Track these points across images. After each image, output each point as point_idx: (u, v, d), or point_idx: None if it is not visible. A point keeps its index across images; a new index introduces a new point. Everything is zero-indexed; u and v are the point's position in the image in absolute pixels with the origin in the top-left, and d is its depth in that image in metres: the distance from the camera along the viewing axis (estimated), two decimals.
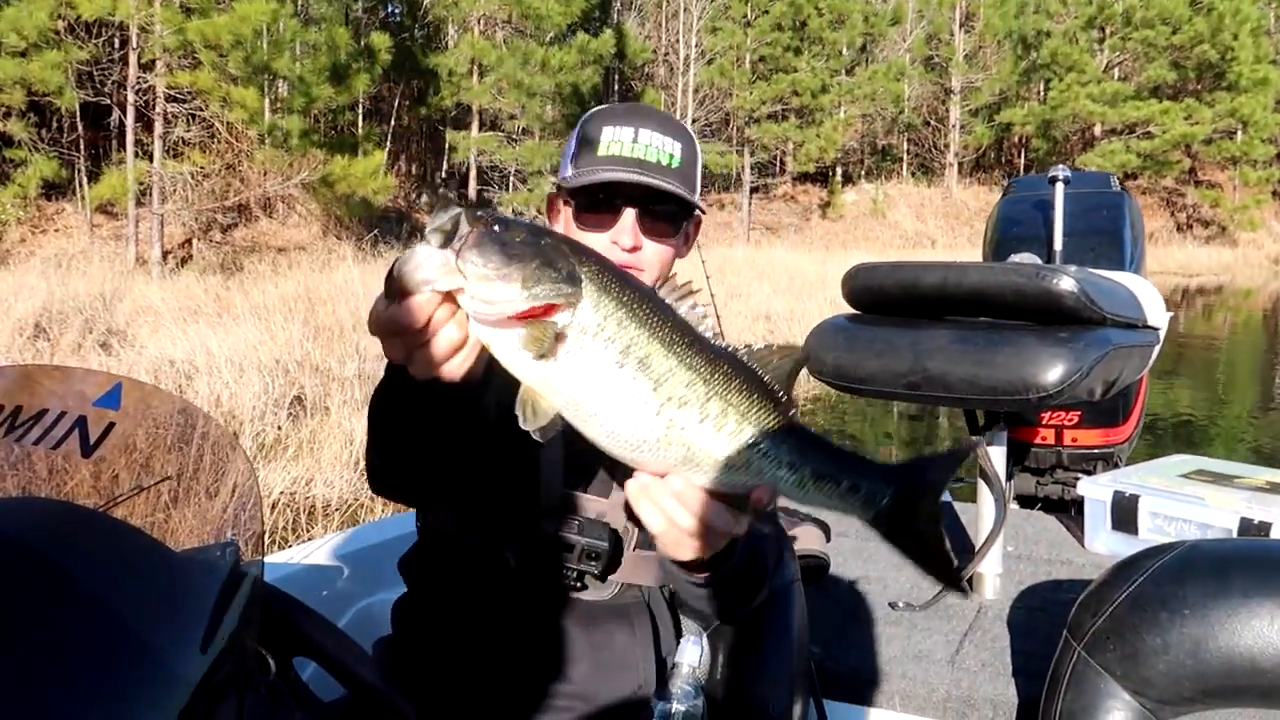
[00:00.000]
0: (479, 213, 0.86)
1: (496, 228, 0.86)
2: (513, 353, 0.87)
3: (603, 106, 1.58)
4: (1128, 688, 1.34)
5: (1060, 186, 3.30)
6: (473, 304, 0.86)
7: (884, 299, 2.53)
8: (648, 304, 0.92)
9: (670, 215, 1.50)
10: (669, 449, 0.93)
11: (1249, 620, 1.27)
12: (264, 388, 7.57)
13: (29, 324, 9.22)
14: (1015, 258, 3.21)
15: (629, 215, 1.47)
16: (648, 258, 1.48)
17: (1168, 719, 1.34)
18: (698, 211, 1.55)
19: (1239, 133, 35.47)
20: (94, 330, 9.59)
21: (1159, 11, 33.97)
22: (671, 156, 1.49)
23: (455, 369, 0.92)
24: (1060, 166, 3.39)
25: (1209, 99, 34.59)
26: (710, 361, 0.93)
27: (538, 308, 0.85)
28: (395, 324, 0.88)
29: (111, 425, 1.06)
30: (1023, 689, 1.94)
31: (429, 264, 0.85)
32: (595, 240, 1.46)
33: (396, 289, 0.87)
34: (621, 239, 1.46)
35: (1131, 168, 34.17)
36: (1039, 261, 3.20)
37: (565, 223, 1.52)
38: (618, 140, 1.47)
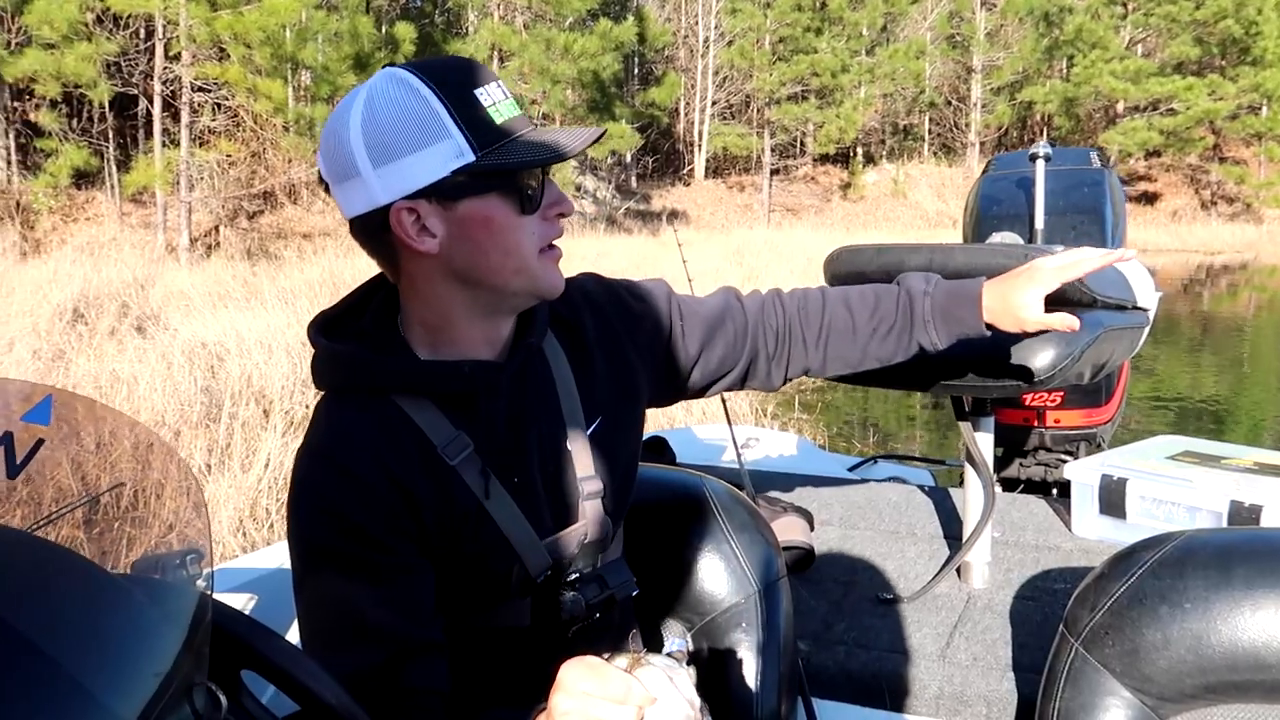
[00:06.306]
0: None
1: None
2: None
3: (415, 64, 1.13)
4: (1128, 685, 1.29)
5: (1041, 164, 3.23)
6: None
7: (869, 283, 2.43)
8: None
9: None
10: None
11: (1252, 613, 1.22)
12: (292, 368, 7.77)
13: (67, 309, 9.50)
14: (996, 237, 3.19)
15: (553, 183, 1.19)
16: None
17: (1169, 716, 1.30)
18: None
19: (1264, 108, 35.12)
20: (129, 315, 9.88)
21: None
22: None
23: None
24: (1041, 143, 3.29)
25: (1233, 74, 34.18)
26: None
27: None
28: (621, 689, 0.92)
29: (41, 442, 0.92)
30: (1017, 685, 1.86)
31: (684, 689, 0.95)
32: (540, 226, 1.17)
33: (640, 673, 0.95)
34: (565, 207, 1.19)
35: (1155, 145, 33.92)
36: (1021, 241, 3.17)
37: (492, 221, 1.13)
38: (495, 103, 1.12)
